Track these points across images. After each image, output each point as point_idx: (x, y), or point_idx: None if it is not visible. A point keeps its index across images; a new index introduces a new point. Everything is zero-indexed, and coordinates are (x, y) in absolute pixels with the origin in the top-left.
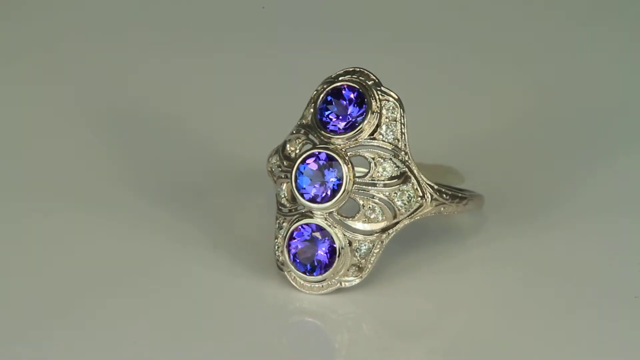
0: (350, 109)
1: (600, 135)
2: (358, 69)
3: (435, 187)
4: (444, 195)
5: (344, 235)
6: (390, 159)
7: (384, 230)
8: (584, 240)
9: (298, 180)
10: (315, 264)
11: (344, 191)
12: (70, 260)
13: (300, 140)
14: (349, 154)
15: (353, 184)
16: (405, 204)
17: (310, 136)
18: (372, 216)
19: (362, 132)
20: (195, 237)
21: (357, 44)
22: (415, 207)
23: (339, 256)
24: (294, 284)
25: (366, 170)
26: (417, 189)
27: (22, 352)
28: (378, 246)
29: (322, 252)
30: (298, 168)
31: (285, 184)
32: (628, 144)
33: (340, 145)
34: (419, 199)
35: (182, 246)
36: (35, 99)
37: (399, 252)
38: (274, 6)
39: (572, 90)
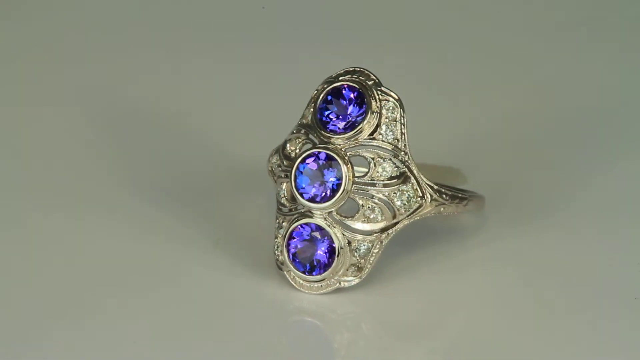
0: (350, 108)
1: (601, 136)
2: (358, 69)
3: (435, 187)
4: (444, 196)
5: (343, 235)
6: (390, 159)
7: (383, 230)
8: (584, 241)
9: (297, 180)
10: (315, 263)
11: (343, 191)
12: (70, 260)
13: (300, 140)
14: (348, 153)
15: (352, 184)
16: (404, 204)
17: (311, 136)
18: (371, 216)
19: (361, 132)
20: (195, 237)
21: (358, 43)
22: (414, 208)
23: (338, 256)
24: (293, 283)
25: (366, 170)
26: (416, 189)
27: (22, 352)
28: (377, 246)
29: (321, 252)
30: (298, 168)
31: (285, 184)
32: (629, 145)
33: (340, 145)
34: (419, 199)
35: (182, 246)
36: (35, 98)
37: (399, 252)
38: (275, 6)
39: (572, 91)
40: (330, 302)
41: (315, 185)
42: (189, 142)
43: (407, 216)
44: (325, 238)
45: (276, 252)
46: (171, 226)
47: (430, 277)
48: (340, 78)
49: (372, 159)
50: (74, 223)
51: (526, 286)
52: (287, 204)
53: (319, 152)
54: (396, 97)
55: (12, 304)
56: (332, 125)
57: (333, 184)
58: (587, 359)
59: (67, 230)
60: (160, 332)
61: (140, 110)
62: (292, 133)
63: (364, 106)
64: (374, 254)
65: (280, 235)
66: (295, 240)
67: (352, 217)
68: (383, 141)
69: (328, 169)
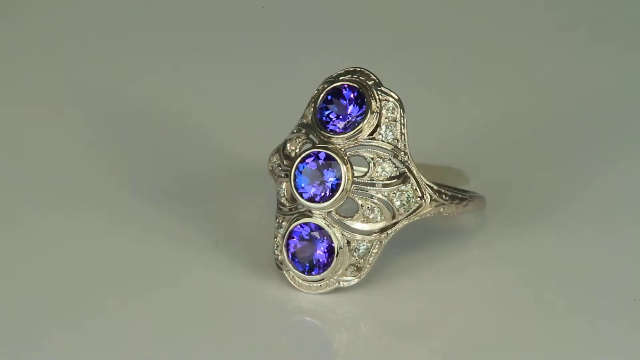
0: (350, 108)
1: (601, 136)
2: (359, 69)
3: (435, 187)
4: (444, 196)
5: (343, 235)
6: (390, 159)
7: (382, 230)
8: (584, 241)
9: (297, 180)
10: (314, 263)
11: (342, 191)
12: (70, 260)
13: (300, 140)
14: (348, 153)
15: (352, 184)
16: (404, 205)
17: (311, 136)
18: (370, 216)
19: (361, 132)
20: (195, 237)
21: (358, 43)
22: (414, 208)
23: (337, 256)
24: (292, 283)
25: (366, 170)
26: (416, 189)
27: (22, 352)
28: (377, 246)
29: (320, 252)
30: (297, 167)
31: (285, 183)
32: (629, 145)
33: (339, 145)
34: (418, 199)
35: (182, 246)
36: (35, 98)
37: (399, 252)
38: (275, 6)
39: (572, 91)
40: (329, 302)
41: (314, 185)
42: (189, 142)
43: (407, 216)
44: (325, 238)
45: (275, 251)
46: (171, 226)
47: (430, 277)
48: (341, 78)
49: (372, 159)
50: (73, 223)
51: (526, 286)
52: (287, 204)
53: (319, 152)
54: (396, 97)
55: (11, 303)
56: (332, 125)
57: (332, 184)
58: (587, 359)
59: (67, 230)
60: (160, 332)
61: (140, 110)
62: (293, 133)
63: (364, 106)
64: (373, 254)
65: (279, 235)
66: (294, 239)
67: (352, 217)
68: (383, 141)
69: (327, 169)
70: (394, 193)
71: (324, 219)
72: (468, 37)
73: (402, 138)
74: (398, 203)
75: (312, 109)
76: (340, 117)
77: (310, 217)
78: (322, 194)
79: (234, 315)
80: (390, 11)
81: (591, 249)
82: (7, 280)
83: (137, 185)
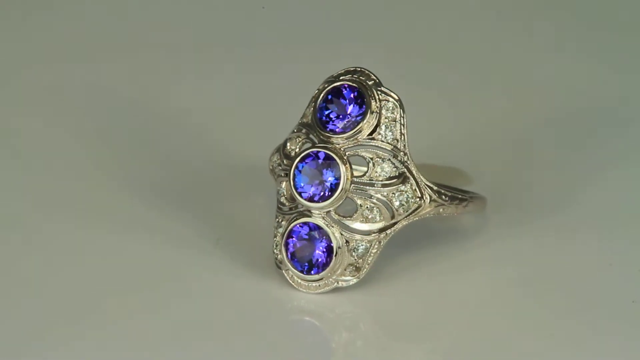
0: (350, 108)
1: (602, 137)
2: (359, 69)
3: (435, 188)
4: (443, 197)
5: (341, 234)
6: (389, 159)
7: (381, 230)
8: (584, 242)
9: (296, 179)
10: (313, 262)
11: (341, 190)
12: (70, 260)
13: (300, 139)
14: (347, 153)
15: (351, 184)
16: (403, 205)
17: (311, 135)
18: (369, 216)
19: (361, 131)
20: (195, 236)
21: (359, 43)
22: (413, 208)
23: (335, 255)
24: (291, 282)
25: (365, 170)
26: (415, 189)
27: (22, 352)
28: (376, 246)
29: (319, 252)
30: (296, 167)
31: (284, 183)
32: (630, 146)
33: (339, 144)
34: (417, 199)
35: (182, 246)
36: (35, 98)
37: (399, 252)
38: (276, 6)
39: (573, 91)
40: (328, 302)
41: (313, 184)
42: (189, 141)
43: (406, 216)
44: (324, 237)
45: (275, 251)
46: (171, 226)
47: (429, 277)
48: (341, 78)
49: (371, 159)
50: (73, 223)
51: (526, 286)
52: (287, 203)
53: (318, 152)
54: (396, 98)
55: (11, 304)
56: (332, 124)
57: (331, 184)
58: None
59: (66, 230)
60: (160, 331)
61: (140, 110)
62: (293, 132)
63: (363, 106)
64: (372, 254)
65: (279, 234)
66: (293, 239)
67: (351, 216)
68: (382, 141)
69: (327, 169)
70: (393, 193)
71: (323, 218)
72: (468, 37)
73: (402, 138)
74: (397, 203)
75: (312, 109)
76: (340, 116)
77: (310, 216)
78: (321, 193)
79: (233, 315)
80: (390, 11)
81: (591, 249)
82: (7, 281)
83: (137, 185)
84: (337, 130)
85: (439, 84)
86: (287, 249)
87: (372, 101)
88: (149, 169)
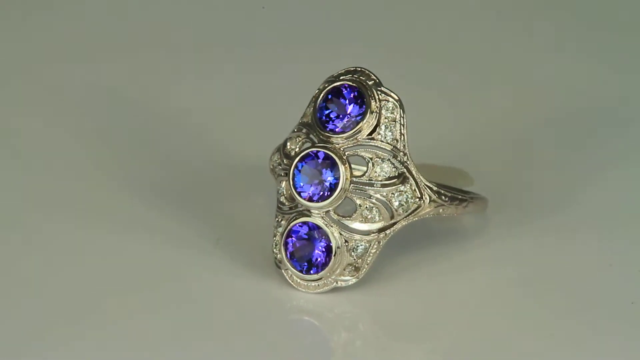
0: (350, 108)
1: (603, 138)
2: (359, 69)
3: (434, 188)
4: (443, 197)
5: (340, 234)
6: (389, 159)
7: (381, 230)
8: (585, 243)
9: (295, 179)
10: (312, 262)
11: (340, 190)
12: (70, 260)
13: (300, 139)
14: (347, 153)
15: (350, 184)
16: (402, 205)
17: (311, 135)
18: (369, 216)
19: (360, 131)
20: (195, 236)
21: (360, 43)
22: (413, 208)
23: (334, 255)
24: (290, 282)
25: (365, 170)
26: (415, 190)
27: (23, 353)
28: (375, 246)
29: (318, 251)
30: (296, 166)
31: (284, 182)
32: (630, 147)
33: (338, 144)
34: (417, 200)
35: (182, 245)
36: (34, 99)
37: (398, 252)
38: (276, 6)
39: (574, 92)
40: (328, 302)
41: (313, 184)
42: (190, 141)
43: (405, 217)
44: (323, 237)
45: (274, 250)
46: (171, 225)
47: (429, 277)
48: (341, 77)
49: (371, 159)
50: (73, 223)
51: (526, 287)
52: (287, 203)
53: (318, 152)
54: (396, 98)
55: (11, 304)
56: (332, 124)
57: (331, 183)
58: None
59: (66, 230)
60: (159, 331)
61: (140, 110)
62: (293, 132)
63: (363, 106)
64: (371, 254)
65: (278, 234)
66: (293, 238)
67: (350, 216)
68: (382, 141)
69: (326, 169)
70: (393, 193)
71: (322, 218)
72: (468, 37)
73: (402, 138)
74: (397, 203)
75: (312, 109)
76: (340, 116)
77: (309, 216)
78: (321, 193)
79: (233, 315)
80: (390, 11)
81: (591, 250)
82: (7, 281)
83: (137, 185)
84: (336, 130)
85: (439, 84)
86: (286, 249)
87: (372, 101)
88: (149, 168)
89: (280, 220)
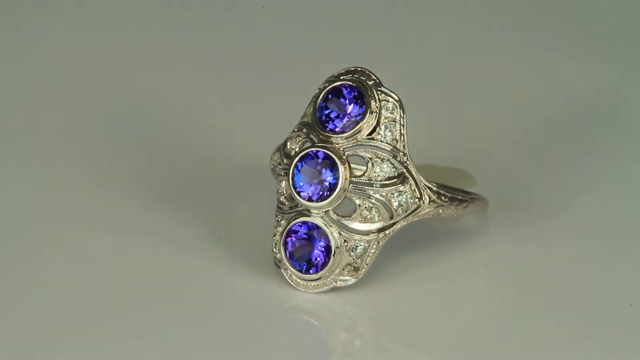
0: (350, 108)
1: (604, 138)
2: (359, 69)
3: (434, 188)
4: (443, 198)
5: (340, 234)
6: (389, 159)
7: (380, 230)
8: (585, 244)
9: (295, 178)
10: (312, 262)
11: (339, 190)
12: (69, 260)
13: (300, 139)
14: (347, 153)
15: (349, 184)
16: (402, 205)
17: (311, 135)
18: (368, 216)
19: (360, 131)
20: (195, 235)
21: (361, 43)
22: (412, 209)
23: (333, 255)
24: (290, 281)
25: (365, 170)
26: (414, 190)
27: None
28: (374, 246)
29: (318, 251)
30: (296, 166)
31: (284, 182)
32: (631, 148)
33: (338, 144)
34: (417, 200)
35: (182, 245)
36: (34, 99)
37: (399, 252)
38: (276, 5)
39: (576, 93)
40: (327, 301)
41: (312, 184)
42: (190, 141)
43: (405, 217)
44: (322, 237)
45: (274, 249)
46: (171, 226)
47: (429, 278)
48: (341, 77)
49: (370, 159)
50: (73, 223)
51: (526, 287)
52: (287, 202)
53: (317, 151)
54: (396, 98)
55: (10, 305)
56: (332, 124)
57: (330, 183)
58: None
59: (67, 230)
60: (159, 331)
61: (140, 110)
62: (293, 131)
63: (363, 106)
64: (370, 254)
65: (278, 233)
66: (292, 238)
67: (349, 216)
68: (382, 141)
69: (326, 168)
70: (392, 193)
71: (322, 218)
72: (469, 37)
73: (402, 139)
74: (396, 203)
75: (312, 108)
76: (340, 116)
77: (309, 216)
78: (320, 193)
79: (232, 314)
80: (391, 11)
81: (592, 251)
82: (7, 282)
83: (137, 185)
84: (336, 130)
85: (440, 84)
86: (286, 248)
87: (372, 101)
88: (148, 168)
89: (280, 219)
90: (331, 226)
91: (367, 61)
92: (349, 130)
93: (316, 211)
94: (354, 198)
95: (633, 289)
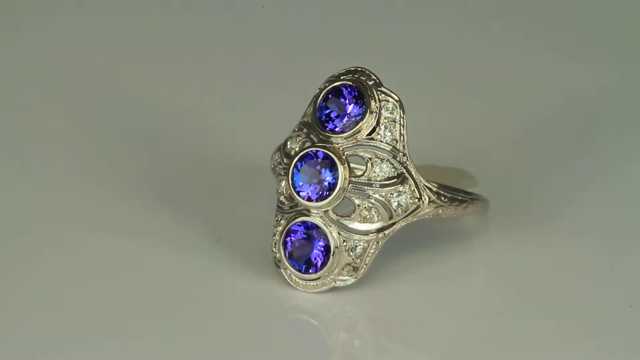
0: (350, 108)
1: (605, 139)
2: (360, 69)
3: (434, 189)
4: (442, 198)
5: (339, 234)
6: (388, 159)
7: (379, 230)
8: (585, 245)
9: (294, 178)
10: (311, 262)
11: (338, 190)
12: (69, 259)
13: (300, 138)
14: (346, 153)
15: (349, 184)
16: (401, 205)
17: (311, 135)
18: (367, 216)
19: (360, 131)
20: (195, 237)
21: (361, 43)
22: (412, 209)
23: (332, 255)
24: (289, 281)
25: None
26: (414, 190)
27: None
28: (373, 246)
29: (317, 251)
30: (295, 166)
31: (284, 182)
32: (631, 148)
33: (338, 144)
34: (416, 200)
35: (182, 245)
36: (34, 99)
37: (399, 252)
38: (276, 5)
39: (576, 93)
40: (326, 301)
41: (312, 183)
42: (191, 140)
43: (404, 217)
44: (321, 237)
45: (274, 249)
46: (171, 226)
47: (429, 278)
48: (342, 77)
49: (370, 159)
50: (73, 223)
51: (526, 288)
52: (286, 202)
53: (317, 151)
54: (396, 98)
55: (10, 306)
56: (331, 124)
57: (329, 183)
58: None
59: (67, 230)
60: (158, 330)
61: (140, 111)
62: (294, 131)
63: (363, 106)
64: (370, 254)
65: (278, 233)
66: (291, 238)
67: (349, 216)
68: (381, 142)
69: (325, 168)
70: (392, 194)
71: (321, 218)
72: (469, 37)
73: (402, 139)
74: (395, 204)
75: (312, 108)
76: (340, 116)
77: (308, 215)
78: (319, 193)
79: (232, 314)
80: (391, 11)
81: (592, 252)
82: (7, 282)
83: (137, 185)
84: (336, 129)
85: (440, 84)
86: (285, 248)
87: (372, 101)
88: (148, 168)
89: (279, 219)
90: (330, 226)
91: (367, 61)
92: (348, 130)
93: (315, 211)
94: (354, 198)
95: (633, 290)
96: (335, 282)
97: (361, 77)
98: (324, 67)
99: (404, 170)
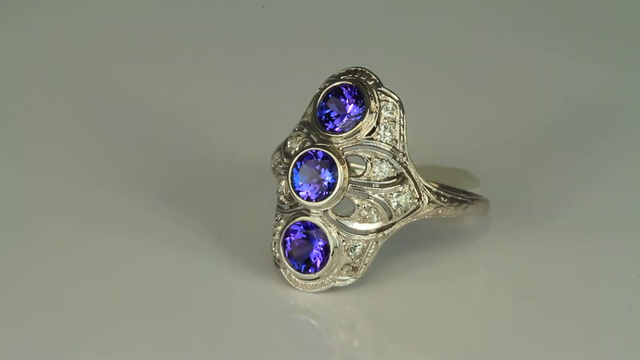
0: (350, 108)
1: (606, 140)
2: (360, 69)
3: (434, 189)
4: (442, 198)
5: (339, 234)
6: (388, 159)
7: (379, 230)
8: (585, 246)
9: (294, 178)
10: (310, 262)
11: (338, 190)
12: (69, 259)
13: (300, 138)
14: (346, 153)
15: (348, 184)
16: (401, 205)
17: (311, 134)
18: (367, 216)
19: (359, 131)
20: (196, 235)
21: (360, 43)
22: (411, 209)
23: (332, 255)
24: (288, 281)
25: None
26: (414, 190)
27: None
28: (373, 246)
29: (316, 251)
30: (295, 165)
31: (284, 181)
32: (631, 149)
33: (338, 144)
34: (416, 200)
35: (182, 244)
36: (34, 99)
37: (399, 252)
38: (276, 5)
39: (577, 93)
40: (326, 301)
41: (312, 183)
42: (190, 142)
43: (404, 217)
44: (321, 237)
45: (273, 249)
46: (171, 226)
47: (428, 278)
48: (342, 77)
49: (370, 159)
50: (73, 223)
51: (526, 288)
52: (286, 202)
53: (317, 151)
54: (396, 98)
55: (10, 306)
56: (331, 124)
57: (329, 183)
58: None
59: (67, 230)
60: (157, 330)
61: (140, 110)
62: (294, 131)
63: (363, 106)
64: (369, 254)
65: (277, 233)
66: (291, 237)
67: (348, 216)
68: (381, 142)
69: (325, 168)
70: (391, 194)
71: (321, 217)
72: (469, 37)
73: (401, 139)
74: (395, 204)
75: (312, 108)
76: (340, 116)
77: (308, 215)
78: (319, 192)
79: (231, 313)
80: (391, 11)
81: (592, 253)
82: (7, 283)
83: (137, 185)
84: (336, 129)
85: (440, 84)
86: (284, 248)
87: (372, 101)
88: (149, 169)
89: (279, 219)
90: (330, 226)
91: (367, 61)
92: (348, 130)
93: (315, 211)
94: (353, 198)
95: (633, 291)
96: (334, 282)
97: (361, 77)
98: (324, 67)
99: (404, 171)
